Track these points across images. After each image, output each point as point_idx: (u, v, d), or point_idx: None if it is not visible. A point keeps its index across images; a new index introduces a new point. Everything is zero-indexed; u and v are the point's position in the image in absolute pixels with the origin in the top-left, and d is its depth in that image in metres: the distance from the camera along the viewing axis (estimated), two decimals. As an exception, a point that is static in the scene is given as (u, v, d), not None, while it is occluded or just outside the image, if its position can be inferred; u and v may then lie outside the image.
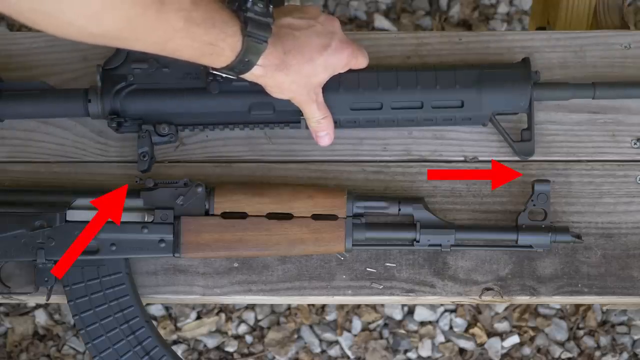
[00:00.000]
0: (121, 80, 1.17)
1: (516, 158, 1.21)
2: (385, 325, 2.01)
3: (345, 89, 1.17)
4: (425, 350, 1.99)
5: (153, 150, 1.19)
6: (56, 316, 2.01)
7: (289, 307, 2.02)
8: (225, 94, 1.16)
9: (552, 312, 2.00)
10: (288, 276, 1.20)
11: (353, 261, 1.20)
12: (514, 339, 1.99)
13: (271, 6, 1.05)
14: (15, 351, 1.99)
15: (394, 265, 1.20)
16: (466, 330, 2.00)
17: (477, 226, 1.18)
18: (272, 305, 2.01)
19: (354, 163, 1.23)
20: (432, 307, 2.00)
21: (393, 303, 1.97)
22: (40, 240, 1.14)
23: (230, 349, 2.00)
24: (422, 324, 2.01)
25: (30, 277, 1.17)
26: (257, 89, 1.12)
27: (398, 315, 2.00)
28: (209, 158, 1.23)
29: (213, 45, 1.00)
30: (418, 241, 1.15)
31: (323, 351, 2.00)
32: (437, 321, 2.00)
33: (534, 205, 1.15)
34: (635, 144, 1.22)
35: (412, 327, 2.00)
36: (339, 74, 1.14)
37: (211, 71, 1.09)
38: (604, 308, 1.98)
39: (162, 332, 1.93)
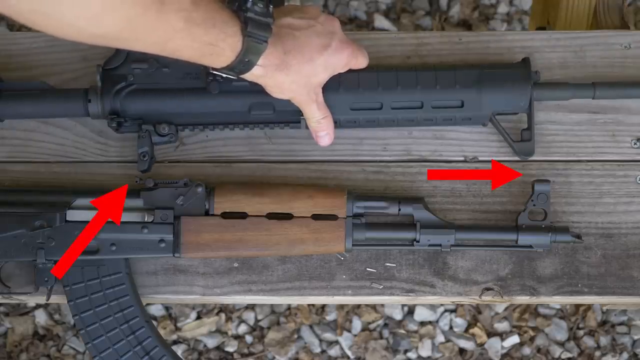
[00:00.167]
0: (121, 80, 1.17)
1: (516, 158, 1.21)
2: (385, 325, 2.00)
3: (345, 89, 1.17)
4: (425, 350, 1.98)
5: (153, 150, 1.19)
6: (56, 316, 2.01)
7: (289, 307, 2.01)
8: (225, 94, 1.16)
9: (552, 312, 2.00)
10: (288, 276, 1.20)
11: (353, 261, 1.20)
12: (514, 339, 1.99)
13: (271, 6, 1.05)
14: (15, 351, 1.99)
15: (394, 265, 1.19)
16: (466, 330, 2.00)
17: (477, 226, 1.18)
18: (272, 305, 2.01)
19: (354, 163, 1.23)
20: (432, 307, 2.00)
21: (393, 303, 1.97)
22: (40, 240, 1.14)
23: (230, 349, 2.00)
24: (422, 324, 2.00)
25: (30, 277, 1.17)
26: (257, 89, 1.12)
27: (398, 315, 2.00)
28: (209, 158, 1.23)
29: (213, 45, 1.00)
30: (418, 241, 1.15)
31: (323, 351, 2.00)
32: (437, 321, 2.00)
33: (534, 205, 1.15)
34: (635, 144, 1.22)
35: (412, 327, 2.00)
36: (339, 74, 1.14)
37: (211, 71, 1.09)
38: (604, 308, 1.98)
39: (162, 332, 1.93)
